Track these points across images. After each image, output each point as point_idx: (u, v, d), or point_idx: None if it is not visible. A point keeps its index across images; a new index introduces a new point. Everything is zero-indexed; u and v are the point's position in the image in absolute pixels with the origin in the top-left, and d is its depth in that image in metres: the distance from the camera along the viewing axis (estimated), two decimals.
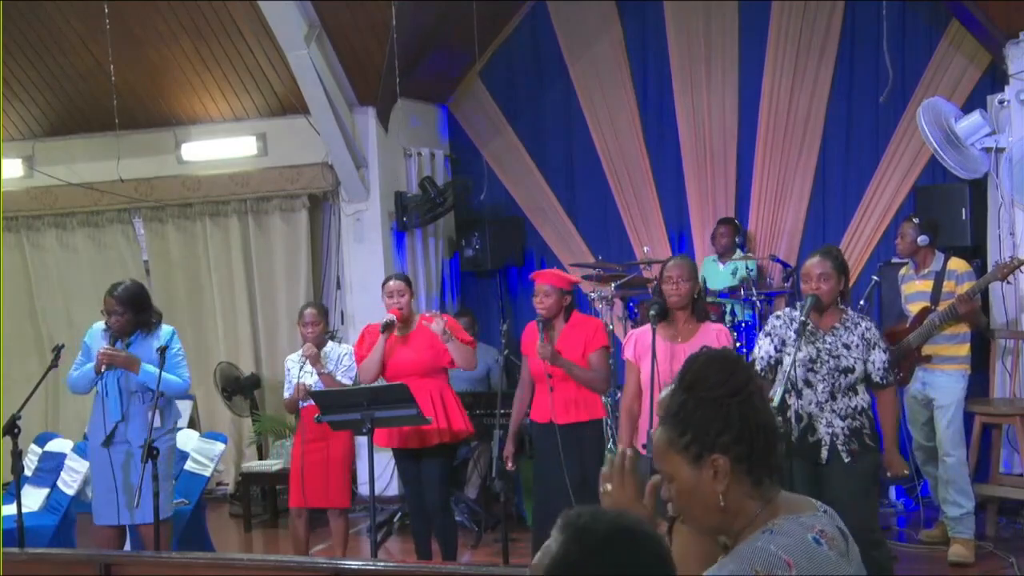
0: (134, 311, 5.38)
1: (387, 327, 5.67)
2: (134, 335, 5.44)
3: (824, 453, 4.50)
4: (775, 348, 4.61)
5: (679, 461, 1.97)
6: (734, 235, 7.72)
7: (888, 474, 4.68)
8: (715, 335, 4.92)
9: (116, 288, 5.41)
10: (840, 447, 4.50)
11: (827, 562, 1.90)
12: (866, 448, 4.53)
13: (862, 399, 4.60)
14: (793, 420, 4.54)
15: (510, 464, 5.53)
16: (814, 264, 4.60)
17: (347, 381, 5.89)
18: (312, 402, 5.84)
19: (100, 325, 5.52)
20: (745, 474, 1.95)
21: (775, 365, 4.67)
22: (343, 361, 5.97)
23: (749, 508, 1.96)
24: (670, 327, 4.95)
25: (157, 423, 5.25)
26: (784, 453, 4.46)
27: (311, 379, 5.91)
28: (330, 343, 6.10)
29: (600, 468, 2.09)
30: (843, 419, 4.51)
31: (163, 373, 5.30)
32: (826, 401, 4.51)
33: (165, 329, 5.52)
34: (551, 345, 5.24)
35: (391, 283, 5.74)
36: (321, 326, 5.99)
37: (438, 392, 5.60)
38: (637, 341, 5.04)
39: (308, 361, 5.91)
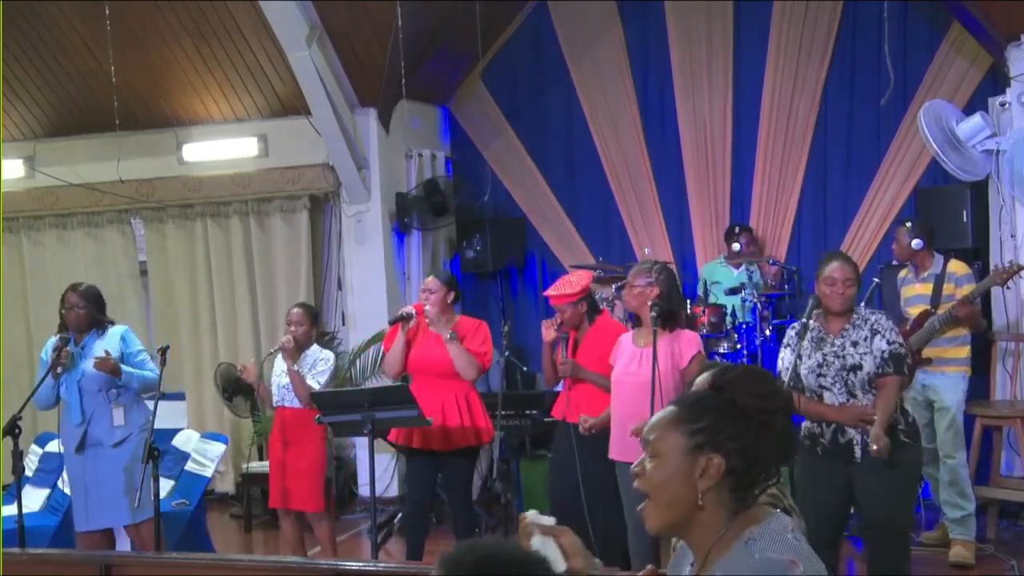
0: (94, 307, 5.58)
1: (398, 319, 5.68)
2: (88, 336, 5.57)
3: (858, 452, 4.42)
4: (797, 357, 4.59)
5: (678, 442, 1.94)
6: (752, 242, 7.69)
7: (871, 447, 4.45)
8: (685, 341, 4.96)
9: (78, 285, 5.66)
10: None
11: (810, 556, 1.93)
12: (901, 444, 4.40)
13: None
14: (823, 424, 4.50)
15: None
16: (837, 268, 4.49)
17: (315, 384, 5.76)
18: (287, 403, 5.85)
19: (54, 340, 5.62)
20: (726, 487, 1.94)
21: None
22: (317, 366, 5.86)
23: (718, 519, 1.95)
24: (638, 331, 5.06)
25: (120, 421, 5.47)
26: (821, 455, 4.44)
27: (285, 379, 5.86)
28: (314, 346, 5.97)
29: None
30: None
31: (135, 370, 5.52)
32: (846, 402, 4.45)
33: (117, 328, 5.68)
34: (572, 360, 5.33)
35: (426, 278, 5.80)
36: (306, 327, 5.93)
37: (463, 394, 5.58)
38: (616, 347, 5.14)
39: (282, 353, 5.84)
